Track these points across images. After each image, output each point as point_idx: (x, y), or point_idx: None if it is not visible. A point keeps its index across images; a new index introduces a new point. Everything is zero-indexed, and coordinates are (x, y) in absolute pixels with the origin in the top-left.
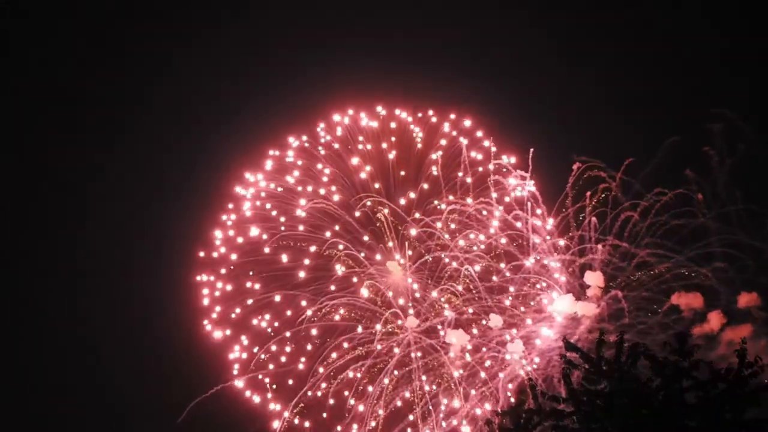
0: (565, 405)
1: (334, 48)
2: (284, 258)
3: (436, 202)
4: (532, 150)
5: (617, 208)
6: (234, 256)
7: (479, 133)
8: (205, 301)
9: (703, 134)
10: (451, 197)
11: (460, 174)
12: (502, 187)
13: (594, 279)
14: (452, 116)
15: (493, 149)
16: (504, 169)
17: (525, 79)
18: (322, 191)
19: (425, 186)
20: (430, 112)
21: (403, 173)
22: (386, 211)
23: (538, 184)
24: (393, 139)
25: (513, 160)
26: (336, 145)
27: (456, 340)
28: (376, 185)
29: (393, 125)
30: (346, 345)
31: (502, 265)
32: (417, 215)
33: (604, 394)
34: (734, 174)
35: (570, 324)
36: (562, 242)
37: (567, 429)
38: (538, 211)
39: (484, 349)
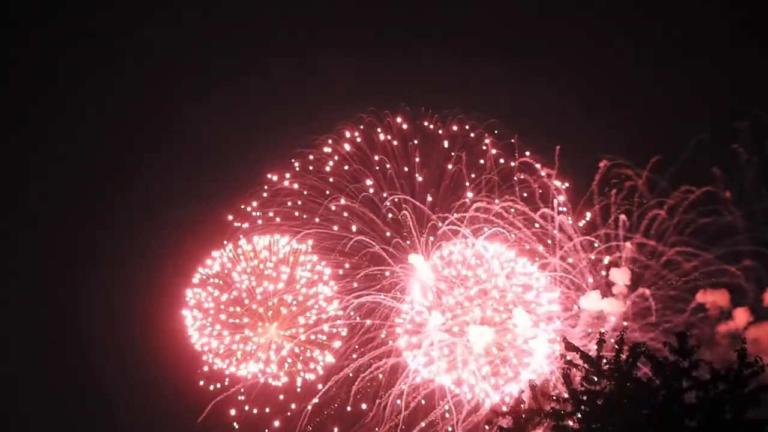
0: (565, 405)
1: (340, 53)
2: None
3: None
4: (558, 147)
5: (643, 206)
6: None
7: (533, 150)
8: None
9: (730, 132)
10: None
11: (497, 202)
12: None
13: (620, 276)
14: (494, 124)
15: (543, 174)
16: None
17: (551, 77)
18: (335, 227)
19: (455, 215)
20: (466, 126)
21: (430, 198)
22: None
23: (562, 179)
24: (417, 159)
25: (566, 185)
26: (346, 167)
27: (480, 338)
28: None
29: (416, 141)
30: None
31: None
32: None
33: (604, 394)
34: (762, 171)
35: (595, 322)
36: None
37: (567, 429)
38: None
39: (506, 344)
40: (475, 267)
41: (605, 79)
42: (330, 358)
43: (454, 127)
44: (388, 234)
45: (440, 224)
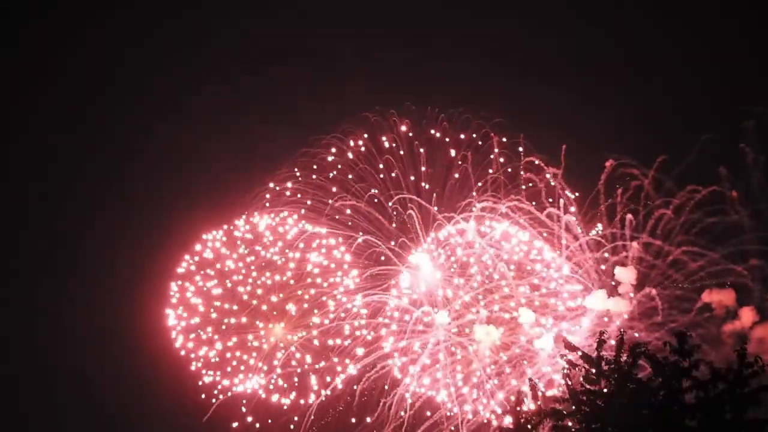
0: (565, 405)
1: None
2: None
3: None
4: (564, 146)
5: (649, 206)
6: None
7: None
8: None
9: (736, 131)
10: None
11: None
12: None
13: (626, 275)
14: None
15: (549, 174)
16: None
17: (557, 77)
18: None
19: (460, 219)
20: (472, 129)
21: (436, 207)
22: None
23: (572, 188)
24: (423, 159)
25: (576, 195)
26: (350, 173)
27: (485, 337)
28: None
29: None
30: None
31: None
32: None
33: (604, 394)
34: None
35: (601, 322)
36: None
37: (567, 429)
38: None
39: (517, 350)
40: (479, 254)
41: (611, 78)
42: (352, 370)
43: (462, 136)
44: (393, 243)
45: (446, 224)
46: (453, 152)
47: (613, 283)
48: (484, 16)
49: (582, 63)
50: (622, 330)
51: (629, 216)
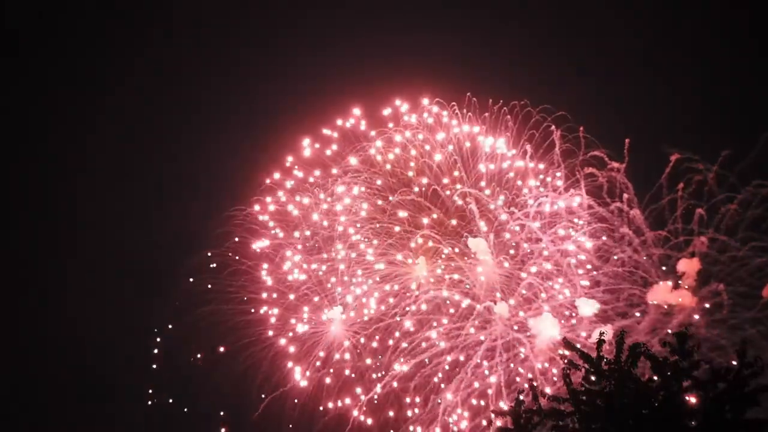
0: (565, 405)
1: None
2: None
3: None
4: (627, 140)
5: (711, 201)
6: None
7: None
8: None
9: None
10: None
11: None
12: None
13: (689, 266)
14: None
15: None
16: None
17: (620, 71)
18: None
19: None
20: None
21: (484, 185)
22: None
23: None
24: (485, 152)
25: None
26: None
27: (542, 329)
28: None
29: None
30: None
31: None
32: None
33: (604, 394)
34: None
35: (662, 318)
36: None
37: (567, 429)
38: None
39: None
40: (541, 248)
41: (674, 72)
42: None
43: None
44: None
45: (508, 217)
46: (513, 136)
47: (678, 277)
48: (545, 10)
49: (644, 59)
50: (622, 330)
51: (699, 210)
